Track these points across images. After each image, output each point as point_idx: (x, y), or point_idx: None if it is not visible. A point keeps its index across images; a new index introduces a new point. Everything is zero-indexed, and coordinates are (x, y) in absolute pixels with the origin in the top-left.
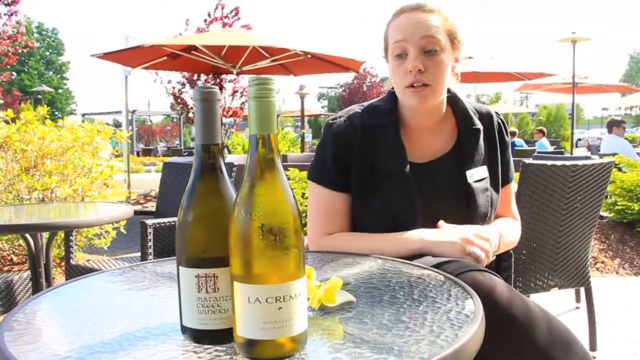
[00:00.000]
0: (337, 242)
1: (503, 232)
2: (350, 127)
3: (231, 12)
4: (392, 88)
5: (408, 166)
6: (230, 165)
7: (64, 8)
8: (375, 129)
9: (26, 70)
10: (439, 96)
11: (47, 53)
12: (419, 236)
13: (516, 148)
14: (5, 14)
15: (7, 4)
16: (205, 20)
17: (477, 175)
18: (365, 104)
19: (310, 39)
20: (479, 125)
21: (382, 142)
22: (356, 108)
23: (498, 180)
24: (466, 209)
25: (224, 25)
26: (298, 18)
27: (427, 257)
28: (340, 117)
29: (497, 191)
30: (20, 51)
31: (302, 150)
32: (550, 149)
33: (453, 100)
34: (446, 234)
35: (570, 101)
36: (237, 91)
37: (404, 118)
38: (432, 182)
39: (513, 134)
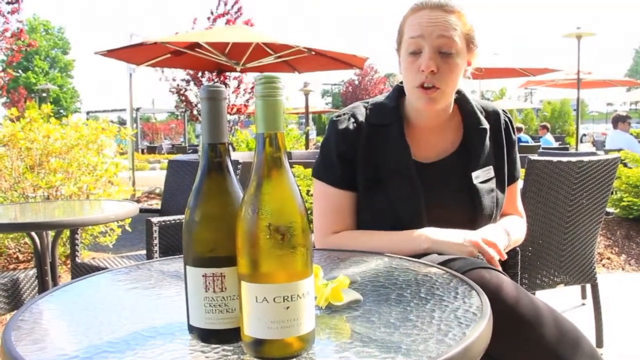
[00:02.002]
0: (344, 240)
1: (510, 231)
2: (354, 124)
3: (232, 7)
4: (400, 82)
5: (412, 166)
6: (235, 163)
7: (71, 7)
8: (379, 126)
9: (31, 68)
10: (448, 99)
11: (53, 52)
12: (426, 235)
13: (522, 144)
14: (8, 12)
15: (10, 3)
16: (208, 18)
17: (482, 176)
18: (370, 100)
19: (311, 37)
20: (485, 125)
21: (387, 140)
22: (360, 105)
23: (504, 179)
24: (472, 210)
25: (228, 22)
26: (298, 17)
27: (433, 254)
28: (344, 114)
29: (502, 191)
30: (24, 49)
31: (307, 147)
32: (555, 144)
33: (460, 99)
34: (455, 235)
35: (575, 96)
36: (239, 87)
37: (408, 116)
38: (437, 182)
39: (519, 129)
